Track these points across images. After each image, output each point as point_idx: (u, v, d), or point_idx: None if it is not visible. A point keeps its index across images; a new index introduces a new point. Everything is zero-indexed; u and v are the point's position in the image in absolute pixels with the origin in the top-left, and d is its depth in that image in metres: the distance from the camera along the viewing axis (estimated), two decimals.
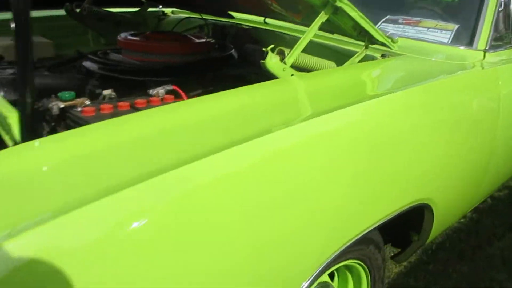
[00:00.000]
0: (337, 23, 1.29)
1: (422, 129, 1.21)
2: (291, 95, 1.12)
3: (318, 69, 1.29)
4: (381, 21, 1.91)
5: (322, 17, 1.20)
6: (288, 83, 1.15)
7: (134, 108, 1.08)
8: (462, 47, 1.67)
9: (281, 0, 1.34)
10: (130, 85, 1.39)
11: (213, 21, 2.04)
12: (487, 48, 1.68)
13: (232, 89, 1.06)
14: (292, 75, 1.17)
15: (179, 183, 0.71)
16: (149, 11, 2.29)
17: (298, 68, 1.24)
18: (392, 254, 1.71)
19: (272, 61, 1.13)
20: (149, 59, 1.54)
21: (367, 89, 1.24)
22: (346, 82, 1.22)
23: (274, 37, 1.83)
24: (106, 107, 1.04)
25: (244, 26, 1.93)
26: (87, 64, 1.50)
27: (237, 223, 0.79)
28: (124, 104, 1.07)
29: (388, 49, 1.49)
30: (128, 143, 0.79)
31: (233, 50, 1.69)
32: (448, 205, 1.42)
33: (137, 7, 2.21)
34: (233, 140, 0.79)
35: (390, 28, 1.84)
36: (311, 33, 1.18)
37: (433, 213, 1.32)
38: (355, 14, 1.23)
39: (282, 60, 1.16)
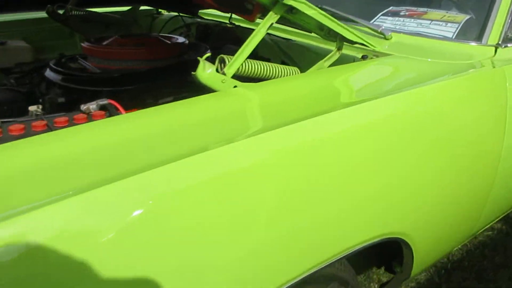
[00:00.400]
0: (298, 23, 1.11)
1: (391, 154, 1.01)
2: (231, 109, 0.96)
3: (275, 78, 1.12)
4: (381, 13, 1.69)
5: (271, 18, 1.02)
6: (228, 96, 0.99)
7: (50, 128, 0.97)
8: (468, 43, 1.42)
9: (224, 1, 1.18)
10: (92, 96, 1.29)
11: (198, 20, 1.91)
12: (499, 42, 1.42)
13: (163, 104, 0.94)
14: (235, 86, 1.02)
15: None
16: (142, 10, 2.19)
17: (248, 78, 1.08)
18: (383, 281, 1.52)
19: (205, 73, 0.97)
20: (115, 66, 1.43)
21: (330, 101, 1.05)
22: (304, 92, 1.05)
23: None
24: (15, 128, 0.94)
25: (229, 25, 1.77)
26: (46, 72, 1.42)
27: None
28: (39, 124, 0.96)
29: (369, 49, 1.29)
30: (22, 172, 0.69)
31: (208, 51, 1.54)
32: (432, 241, 1.18)
33: (123, 7, 2.11)
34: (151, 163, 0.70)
35: (389, 22, 1.62)
36: (257, 37, 1.02)
37: (411, 249, 1.11)
38: (314, 12, 1.04)
39: (222, 70, 1.00)
